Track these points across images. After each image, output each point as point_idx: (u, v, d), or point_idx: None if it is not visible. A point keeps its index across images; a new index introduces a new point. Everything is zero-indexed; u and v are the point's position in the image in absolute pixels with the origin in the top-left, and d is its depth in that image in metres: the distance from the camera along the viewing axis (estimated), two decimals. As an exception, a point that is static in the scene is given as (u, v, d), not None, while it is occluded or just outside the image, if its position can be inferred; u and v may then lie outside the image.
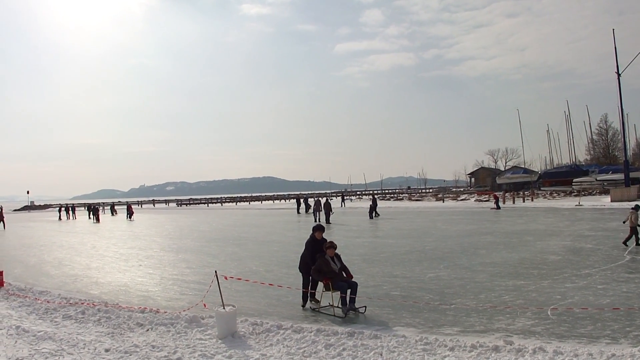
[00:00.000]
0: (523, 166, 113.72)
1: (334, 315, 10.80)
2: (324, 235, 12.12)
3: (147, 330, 10.40)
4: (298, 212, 52.42)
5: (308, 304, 11.80)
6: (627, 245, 18.73)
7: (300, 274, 12.00)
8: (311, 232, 11.98)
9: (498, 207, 48.40)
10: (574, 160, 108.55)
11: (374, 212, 43.62)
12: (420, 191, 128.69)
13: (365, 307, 11.11)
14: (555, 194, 71.76)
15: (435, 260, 18.03)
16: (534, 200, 63.78)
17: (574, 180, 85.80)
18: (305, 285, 11.78)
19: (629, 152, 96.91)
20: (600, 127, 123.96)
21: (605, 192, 64.49)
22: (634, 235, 18.85)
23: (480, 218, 38.33)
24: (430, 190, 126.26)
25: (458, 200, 75.32)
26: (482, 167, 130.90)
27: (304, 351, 8.78)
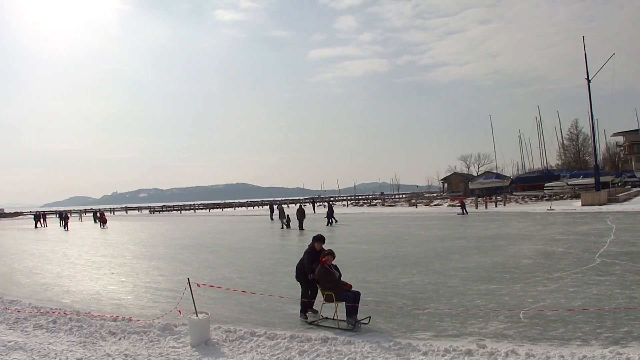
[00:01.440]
0: (495, 171, 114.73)
1: (339, 328, 10.24)
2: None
3: (120, 339, 10.31)
4: (271, 219, 52.40)
5: (309, 316, 11.33)
6: None
7: (299, 283, 11.64)
8: (311, 241, 11.59)
9: (464, 213, 48.74)
10: (545, 165, 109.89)
11: (331, 219, 43.52)
12: (393, 197, 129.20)
13: (370, 317, 10.74)
14: (527, 199, 72.52)
15: (408, 265, 18.13)
16: (507, 205, 64.38)
17: (546, 184, 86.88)
18: (305, 295, 11.39)
19: (599, 157, 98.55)
20: (571, 132, 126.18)
21: (576, 196, 65.35)
22: None
23: (453, 223, 38.59)
24: (404, 196, 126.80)
25: (431, 205, 75.74)
26: (454, 173, 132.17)
27: (278, 358, 8.78)
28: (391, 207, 77.92)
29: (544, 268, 16.03)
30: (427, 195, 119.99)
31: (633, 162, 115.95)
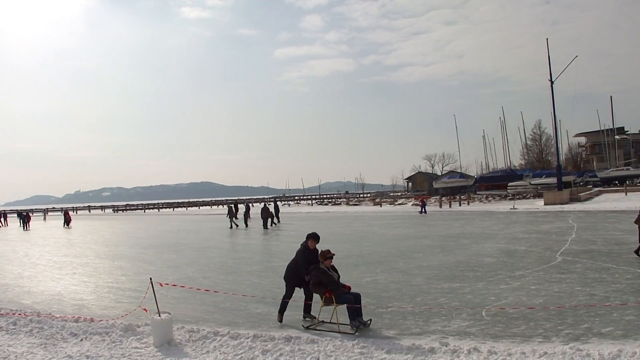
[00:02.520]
0: (459, 171, 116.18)
1: (339, 332, 9.76)
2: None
3: (81, 340, 10.15)
4: (236, 218, 52.24)
5: (306, 321, 10.75)
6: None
7: (285, 283, 11.05)
8: (304, 240, 10.90)
9: (423, 212, 49.17)
10: (508, 164, 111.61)
11: (272, 219, 42.05)
12: (358, 196, 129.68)
13: (371, 319, 10.34)
14: (490, 198, 73.45)
15: (372, 264, 18.23)
16: (470, 204, 65.14)
17: (509, 184, 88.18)
18: (288, 296, 10.84)
19: (562, 157, 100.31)
20: (534, 132, 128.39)
21: (538, 195, 66.38)
22: None
23: (417, 222, 38.89)
24: (368, 195, 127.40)
25: (395, 204, 76.21)
26: (419, 172, 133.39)
27: (241, 357, 8.74)
28: (355, 206, 78.25)
29: (506, 266, 16.25)
30: (391, 194, 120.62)
31: (595, 162, 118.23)
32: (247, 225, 41.41)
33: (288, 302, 10.86)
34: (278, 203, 51.87)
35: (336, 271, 10.43)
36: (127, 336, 10.18)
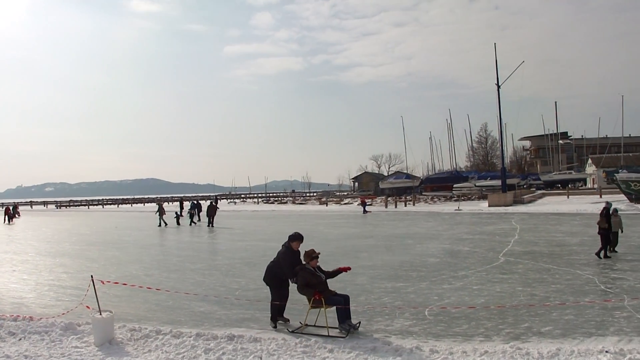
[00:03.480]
0: (406, 171, 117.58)
1: (329, 336, 9.38)
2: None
3: (20, 339, 9.86)
4: (181, 215, 51.69)
5: (288, 325, 10.28)
6: (608, 256, 17.16)
7: (268, 286, 10.58)
8: (287, 240, 10.47)
9: (365, 212, 49.60)
10: (454, 166, 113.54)
11: (195, 217, 41.98)
12: (304, 195, 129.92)
13: (360, 322, 10.03)
14: (436, 199, 74.60)
15: (316, 263, 18.22)
16: (416, 204, 65.88)
17: (454, 185, 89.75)
18: (277, 298, 10.28)
19: (506, 160, 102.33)
20: (480, 135, 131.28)
21: (483, 197, 67.73)
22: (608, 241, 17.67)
23: (362, 222, 39.17)
24: (315, 194, 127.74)
25: (341, 204, 76.58)
26: (365, 172, 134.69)
27: (183, 356, 8.66)
28: (302, 205, 78.38)
29: (449, 266, 16.49)
30: (337, 194, 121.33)
31: (538, 166, 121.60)
32: (193, 221, 41.00)
33: (277, 304, 10.32)
34: (201, 202, 51.88)
35: (322, 272, 10.12)
36: (67, 335, 9.95)
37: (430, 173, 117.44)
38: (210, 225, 37.79)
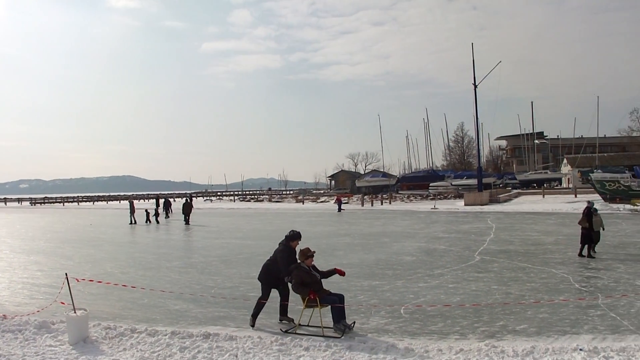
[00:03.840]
0: (382, 170, 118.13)
1: (323, 336, 9.22)
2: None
3: (-7, 338, 9.74)
4: (157, 213, 51.42)
5: (284, 324, 10.19)
6: (592, 256, 17.23)
7: (260, 283, 10.46)
8: (284, 239, 10.31)
9: (340, 210, 49.72)
10: (431, 165, 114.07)
11: (155, 216, 41.46)
12: (280, 193, 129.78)
13: (355, 322, 9.97)
14: (412, 198, 74.84)
15: (292, 261, 18.21)
16: (392, 203, 66.12)
17: (431, 184, 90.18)
18: (265, 297, 10.21)
19: (483, 159, 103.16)
20: (456, 134, 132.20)
21: (459, 196, 68.09)
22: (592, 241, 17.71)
23: (338, 220, 39.23)
24: (291, 192, 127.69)
25: (318, 202, 76.59)
26: (342, 170, 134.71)
27: (158, 355, 8.60)
28: (278, 203, 78.20)
29: (425, 265, 16.57)
30: (314, 192, 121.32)
31: (514, 165, 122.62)
32: (164, 218, 40.80)
33: (264, 303, 10.23)
34: (170, 200, 51.84)
35: (317, 271, 10.00)
36: (41, 333, 9.84)
37: (406, 172, 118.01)
38: (186, 222, 37.64)
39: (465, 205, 51.92)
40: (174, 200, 69.12)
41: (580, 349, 7.97)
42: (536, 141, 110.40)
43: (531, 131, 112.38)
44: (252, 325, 10.06)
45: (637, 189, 46.39)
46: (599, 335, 8.88)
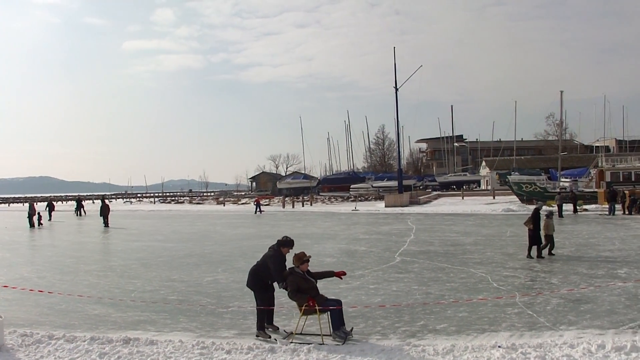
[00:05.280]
0: (303, 172, 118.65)
1: (323, 344, 8.84)
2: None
3: None
4: (78, 214, 50.19)
5: (271, 333, 9.64)
6: (541, 256, 17.54)
7: (252, 291, 10.00)
8: (275, 244, 10.05)
9: (259, 212, 49.65)
10: (352, 167, 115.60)
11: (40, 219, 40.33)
12: (201, 194, 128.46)
13: (353, 327, 9.51)
14: (333, 199, 75.56)
15: (213, 263, 18.11)
16: (313, 204, 66.39)
17: (352, 186, 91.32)
18: (264, 303, 9.68)
19: (403, 161, 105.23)
20: (377, 137, 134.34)
21: (380, 198, 69.11)
22: (549, 243, 18.06)
23: (259, 222, 39.13)
24: (212, 194, 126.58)
25: (239, 204, 76.15)
26: (263, 172, 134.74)
27: (77, 361, 8.39)
28: (199, 205, 77.33)
29: (346, 266, 16.67)
30: (235, 193, 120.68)
31: (434, 167, 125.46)
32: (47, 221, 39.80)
33: (265, 308, 9.70)
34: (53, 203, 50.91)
35: (312, 277, 9.64)
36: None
37: (327, 174, 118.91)
38: (105, 225, 36.79)
39: (386, 206, 52.61)
40: (93, 203, 67.34)
41: (499, 346, 8.23)
42: (456, 144, 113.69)
43: (451, 134, 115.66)
44: (269, 337, 9.35)
45: (553, 190, 48.22)
46: (517, 332, 9.21)
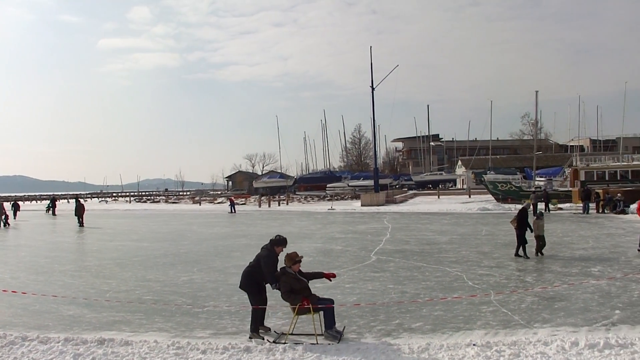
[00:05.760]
0: (280, 171, 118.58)
1: (317, 344, 8.83)
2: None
3: None
4: (53, 214, 49.63)
5: (264, 334, 9.53)
6: (538, 255, 17.72)
7: (245, 292, 9.99)
8: (268, 244, 10.16)
9: (233, 211, 49.55)
10: (328, 166, 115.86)
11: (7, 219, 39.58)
12: (177, 194, 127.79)
13: (345, 326, 9.71)
14: (309, 199, 75.47)
15: (189, 263, 18.03)
16: (289, 204, 66.41)
17: (328, 185, 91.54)
18: (258, 303, 9.64)
19: (379, 160, 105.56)
20: (354, 136, 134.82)
21: (356, 197, 69.25)
22: (541, 243, 18.00)
23: (235, 221, 39.03)
24: (188, 193, 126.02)
25: (215, 203, 75.85)
26: (239, 171, 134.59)
27: (51, 363, 8.32)
28: (175, 204, 76.86)
29: (322, 265, 16.71)
30: (211, 192, 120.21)
31: (410, 167, 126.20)
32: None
33: (260, 307, 9.69)
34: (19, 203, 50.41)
35: (304, 276, 9.69)
36: None
37: (304, 173, 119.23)
38: (80, 224, 36.47)
39: (362, 206, 52.79)
40: (68, 202, 66.62)
41: (474, 344, 8.31)
42: (432, 143, 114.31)
43: (427, 134, 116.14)
44: (263, 338, 9.20)
45: (528, 189, 48.67)
46: (492, 330, 9.31)
